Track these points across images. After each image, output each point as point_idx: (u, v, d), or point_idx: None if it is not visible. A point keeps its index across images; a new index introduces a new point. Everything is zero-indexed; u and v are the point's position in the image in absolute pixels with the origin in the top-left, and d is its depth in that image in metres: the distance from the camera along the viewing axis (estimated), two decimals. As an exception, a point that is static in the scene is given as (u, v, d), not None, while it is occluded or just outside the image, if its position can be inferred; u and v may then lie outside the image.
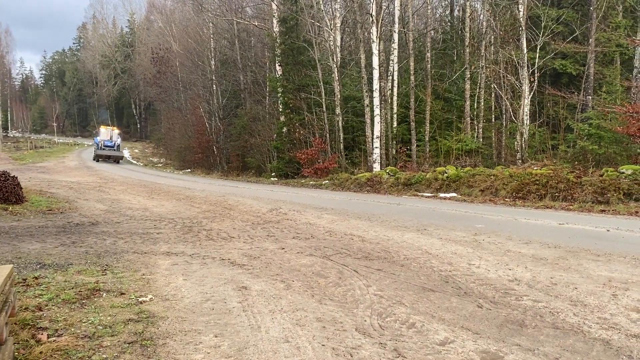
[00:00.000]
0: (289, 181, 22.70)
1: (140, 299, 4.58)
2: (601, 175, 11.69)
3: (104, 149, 40.05)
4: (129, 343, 3.57)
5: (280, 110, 26.20)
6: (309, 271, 5.74)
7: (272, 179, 24.62)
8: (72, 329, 3.79)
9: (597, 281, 5.24)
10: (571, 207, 10.91)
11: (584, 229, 8.34)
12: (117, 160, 40.27)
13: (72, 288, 4.85)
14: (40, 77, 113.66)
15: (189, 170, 36.85)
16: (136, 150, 60.57)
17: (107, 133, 42.33)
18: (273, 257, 6.43)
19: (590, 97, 19.62)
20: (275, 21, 26.12)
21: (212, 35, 36.88)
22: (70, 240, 7.38)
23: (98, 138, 42.02)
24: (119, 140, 42.41)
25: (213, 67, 36.37)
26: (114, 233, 8.16)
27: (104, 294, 4.71)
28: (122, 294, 4.75)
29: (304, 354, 3.47)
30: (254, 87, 32.95)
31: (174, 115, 45.67)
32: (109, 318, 4.06)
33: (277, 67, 26.29)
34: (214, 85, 35.97)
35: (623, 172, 11.49)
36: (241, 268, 5.87)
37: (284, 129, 25.58)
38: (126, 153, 54.90)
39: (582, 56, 21.06)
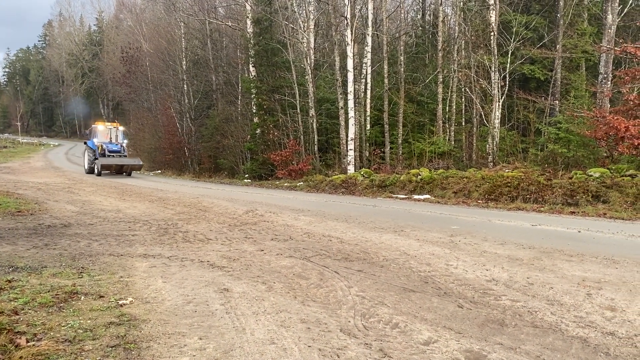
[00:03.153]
0: (263, 183, 22.60)
1: (120, 302, 4.50)
2: (570, 178, 12.01)
3: (110, 156, 26.92)
4: (111, 347, 3.50)
5: (254, 111, 26.07)
6: (289, 273, 5.73)
7: (245, 180, 24.46)
8: (52, 333, 3.70)
9: (571, 281, 5.38)
10: (542, 208, 11.18)
11: (556, 230, 8.55)
12: (129, 172, 27.72)
13: (49, 291, 4.73)
14: (3, 75, 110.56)
15: (160, 171, 36.29)
16: (105, 151, 59.21)
17: (107, 132, 29.02)
18: (253, 259, 6.39)
19: (557, 101, 20.13)
20: (249, 22, 25.98)
21: (183, 35, 36.43)
22: (42, 243, 7.19)
23: (95, 140, 27.98)
24: (125, 142, 29.74)
25: (184, 67, 35.93)
26: (88, 235, 7.99)
27: (82, 297, 4.61)
28: (101, 296, 4.65)
29: (291, 355, 3.46)
30: (227, 87, 32.70)
31: (144, 115, 44.87)
32: (89, 321, 3.97)
33: (251, 68, 26.16)
34: (186, 86, 35.55)
35: (591, 175, 11.83)
36: (221, 270, 5.82)
37: (258, 130, 25.46)
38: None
39: (550, 61, 21.59)
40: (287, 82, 24.71)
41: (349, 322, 4.16)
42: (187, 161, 35.09)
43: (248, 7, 26.00)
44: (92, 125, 29.87)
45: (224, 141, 28.81)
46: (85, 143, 29.73)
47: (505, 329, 4.07)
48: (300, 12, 24.06)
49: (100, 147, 27.25)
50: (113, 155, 26.89)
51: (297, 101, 23.78)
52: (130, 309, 4.37)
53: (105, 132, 28.92)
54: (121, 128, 29.92)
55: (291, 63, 23.55)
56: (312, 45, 23.66)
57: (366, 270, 5.88)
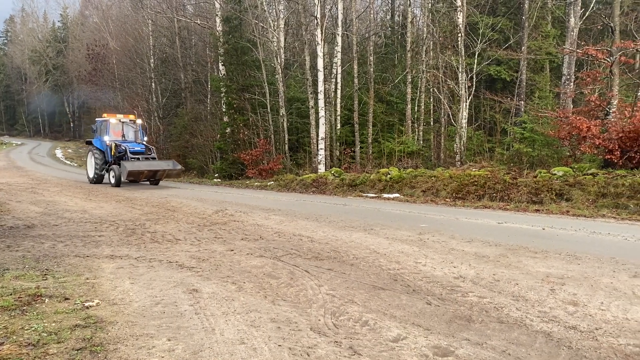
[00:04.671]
0: (233, 182, 22.43)
1: (86, 304, 4.41)
2: (535, 177, 12.31)
3: (134, 159, 18.93)
4: (77, 349, 3.43)
5: (224, 110, 25.85)
6: (260, 272, 5.71)
7: (215, 180, 24.23)
8: (14, 337, 3.60)
9: (536, 277, 5.52)
10: (508, 206, 11.43)
11: (522, 228, 8.76)
12: (156, 179, 19.94)
13: (11, 294, 4.60)
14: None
15: (127, 171, 35.59)
16: (69, 150, 57.83)
17: (119, 126, 20.83)
18: (222, 259, 6.35)
19: (523, 102, 20.61)
20: (218, 20, 25.75)
21: (151, 33, 35.86)
22: (4, 244, 6.98)
23: (106, 138, 20.18)
24: (145, 139, 21.58)
25: (152, 65, 35.39)
26: (52, 236, 7.79)
27: (47, 300, 4.50)
28: (66, 299, 4.55)
29: (261, 355, 3.46)
30: (196, 86, 32.35)
31: (111, 114, 43.96)
32: (53, 324, 3.88)
33: (220, 67, 25.92)
34: (153, 84, 35.02)
35: (555, 174, 12.16)
36: (190, 270, 5.76)
37: (228, 130, 25.26)
38: (59, 153, 52.35)
39: (516, 63, 22.08)
40: (257, 81, 24.60)
41: (319, 320, 4.18)
42: (155, 161, 34.51)
43: (217, 5, 25.77)
44: (99, 119, 21.30)
45: (193, 140, 28.48)
46: (87, 143, 22.48)
47: (472, 324, 4.15)
48: (270, 10, 23.98)
49: (113, 148, 19.36)
50: (139, 158, 18.86)
51: (268, 100, 23.70)
52: (96, 311, 4.29)
53: (116, 126, 20.57)
54: (139, 121, 21.62)
55: (261, 62, 23.44)
56: (282, 44, 23.61)
57: (336, 268, 5.91)
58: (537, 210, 10.81)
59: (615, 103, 13.77)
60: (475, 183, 12.96)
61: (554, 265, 6.00)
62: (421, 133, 23.08)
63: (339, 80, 23.30)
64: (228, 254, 6.69)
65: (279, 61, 22.75)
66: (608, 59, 14.19)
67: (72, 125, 76.53)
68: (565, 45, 17.05)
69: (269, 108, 23.83)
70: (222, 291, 4.96)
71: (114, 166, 18.91)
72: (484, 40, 20.16)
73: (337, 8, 22.63)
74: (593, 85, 15.50)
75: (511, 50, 21.40)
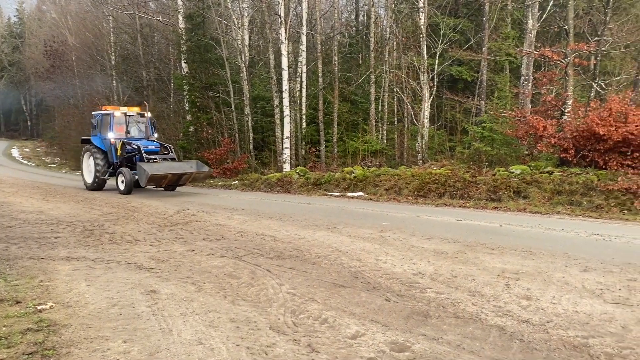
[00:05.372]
0: (197, 182, 22.14)
1: (39, 307, 4.29)
2: (494, 175, 12.62)
3: (151, 161, 15.53)
4: (28, 354, 3.35)
5: (187, 108, 25.51)
6: (220, 272, 5.67)
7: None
8: (-39, 343, 3.48)
9: (492, 272, 5.67)
10: (467, 204, 11.68)
11: (480, 225, 8.96)
12: (179, 184, 16.60)
13: (-41, 299, 4.44)
14: None
15: (88, 170, 34.73)
16: (27, 150, 55.95)
17: (123, 119, 17.19)
18: (183, 260, 6.28)
19: (483, 102, 21.07)
20: (181, 17, 25.38)
21: (112, 29, 35.07)
22: (-47, 248, 6.73)
23: (110, 135, 16.80)
24: (156, 135, 18.14)
25: (113, 62, 34.61)
26: (5, 238, 7.55)
27: (-3, 304, 4.36)
28: (18, 302, 4.42)
29: (218, 354, 3.44)
30: (158, 84, 31.81)
31: (70, 112, 42.72)
32: (4, 329, 3.77)
33: (183, 65, 25.57)
34: (115, 82, 34.25)
35: (513, 172, 12.49)
36: (149, 272, 5.68)
37: (191, 128, 24.93)
38: (15, 152, 50.63)
39: (476, 63, 22.56)
40: (221, 79, 24.37)
41: (279, 319, 4.19)
42: (117, 160, 33.81)
43: (180, 2, 25.40)
44: (98, 112, 17.85)
45: (156, 139, 27.97)
46: (83, 142, 18.13)
47: (429, 320, 4.23)
48: (234, 8, 23.79)
49: (119, 147, 16.17)
50: (155, 159, 15.63)
51: (232, 99, 23.51)
52: (50, 314, 4.19)
53: (120, 120, 16.97)
54: (148, 114, 17.83)
55: (225, 60, 23.23)
56: (246, 42, 23.46)
57: (298, 267, 5.92)
58: (495, 208, 11.09)
59: (570, 103, 14.25)
60: (437, 181, 13.19)
61: (509, 261, 6.16)
62: (385, 132, 23.31)
63: (304, 79, 23.31)
64: (188, 254, 6.62)
65: (243, 59, 22.60)
66: (563, 61, 14.67)
67: (29, 123, 74.08)
68: (524, 46, 17.53)
69: (233, 107, 23.65)
70: (181, 292, 4.90)
71: (124, 169, 15.41)
72: (445, 41, 20.51)
73: (301, 7, 22.63)
74: (549, 85, 16.00)
75: (472, 51, 21.84)
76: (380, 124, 23.45)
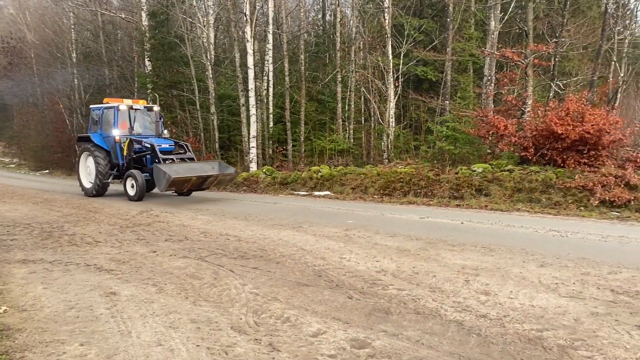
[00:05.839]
0: (161, 182, 21.81)
1: (-9, 312, 4.17)
2: (456, 173, 12.86)
3: (167, 162, 13.29)
4: (-22, 361, 3.25)
5: (151, 107, 25.07)
6: (182, 273, 5.61)
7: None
8: None
9: (452, 269, 5.78)
10: (431, 202, 11.87)
11: (442, 222, 9.12)
12: (202, 188, 14.04)
13: None
14: None
15: (47, 171, 33.82)
16: (-18, 150, 54.11)
17: (126, 114, 14.64)
18: (144, 261, 6.18)
19: (447, 101, 21.40)
20: (144, 14, 24.92)
21: (73, 26, 34.13)
22: None
23: (115, 132, 14.32)
24: (159, 129, 15.49)
25: (74, 60, 33.71)
26: (-43, 242, 7.29)
27: (-54, 310, 4.21)
28: (-31, 308, 4.28)
29: (178, 355, 3.41)
30: (121, 82, 31.13)
31: (29, 111, 41.41)
32: (-47, 335, 3.65)
33: (147, 63, 25.11)
34: (76, 80, 33.37)
35: (475, 170, 12.75)
36: (109, 273, 5.58)
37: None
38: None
39: (441, 64, 22.87)
40: (186, 77, 24.04)
41: (241, 319, 4.17)
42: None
43: (143, -1, 24.97)
44: (97, 105, 15.51)
45: (119, 139, 27.40)
46: (80, 140, 15.84)
47: (390, 316, 4.29)
48: (200, 6, 23.51)
49: (127, 145, 13.94)
50: (172, 160, 13.54)
51: (197, 97, 23.22)
52: (3, 318, 4.07)
53: (124, 114, 14.59)
54: (156, 108, 15.78)
55: (190, 58, 22.92)
56: (212, 40, 23.21)
57: (262, 267, 5.91)
58: (458, 205, 11.30)
59: (529, 103, 14.63)
60: (401, 180, 13.35)
61: (469, 258, 6.30)
62: (351, 131, 23.42)
63: (270, 78, 23.20)
64: (150, 255, 6.52)
65: (208, 58, 22.36)
66: (523, 61, 15.04)
67: (-15, 122, 71.50)
68: (486, 47, 17.87)
69: (198, 105, 23.37)
70: (141, 293, 4.83)
71: (134, 171, 13.41)
72: (409, 42, 20.74)
73: (267, 6, 22.54)
74: (510, 86, 16.38)
75: (436, 51, 22.15)
76: (347, 124, 23.55)
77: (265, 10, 24.29)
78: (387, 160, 17.58)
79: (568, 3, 15.39)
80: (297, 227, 8.66)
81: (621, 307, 4.48)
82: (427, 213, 10.30)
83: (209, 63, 22.18)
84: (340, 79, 22.85)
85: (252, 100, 19.95)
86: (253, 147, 20.21)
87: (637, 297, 4.74)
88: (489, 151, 14.39)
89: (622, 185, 10.37)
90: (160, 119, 15.63)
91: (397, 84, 19.88)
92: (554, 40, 15.55)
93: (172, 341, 3.65)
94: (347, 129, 23.38)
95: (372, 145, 21.24)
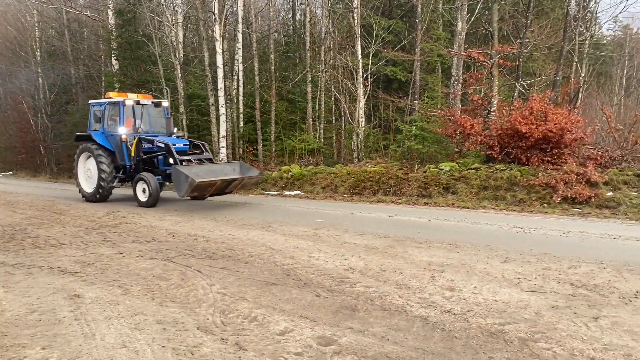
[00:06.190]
0: (127, 183, 21.45)
1: (-52, 318, 4.06)
2: (424, 172, 13.05)
3: (184, 163, 11.99)
4: None
5: (118, 107, 24.63)
6: (149, 275, 5.56)
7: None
8: None
9: (419, 266, 5.87)
10: (400, 200, 12.02)
11: (410, 220, 9.24)
12: (226, 191, 12.57)
13: None
14: None
15: (11, 172, 32.96)
16: (-58, 151, 52.22)
17: (131, 110, 13.35)
18: (110, 263, 6.09)
19: (417, 101, 21.66)
20: (110, 13, 24.48)
21: (37, 24, 33.26)
22: None
23: (121, 130, 12.98)
24: (177, 132, 14.48)
25: (39, 58, 32.85)
26: None
27: None
28: None
29: (143, 357, 3.39)
30: (88, 81, 30.48)
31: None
32: None
33: (114, 62, 24.67)
34: (40, 79, 32.53)
35: (442, 169, 12.96)
36: (73, 276, 5.48)
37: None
38: None
39: (410, 64, 23.13)
40: (154, 77, 23.71)
41: (208, 319, 4.16)
42: (44, 161, 32.20)
43: (109, -3, 24.51)
44: (96, 101, 14.39)
45: (86, 139, 26.86)
46: (79, 139, 14.27)
47: (356, 313, 4.34)
48: (168, 4, 23.20)
49: (134, 145, 12.73)
50: (190, 161, 12.30)
51: (166, 97, 22.92)
52: (-39, 324, 3.96)
53: (130, 110, 13.29)
54: (165, 103, 14.37)
55: (158, 57, 22.62)
56: (180, 39, 22.94)
57: (230, 267, 5.90)
58: (426, 204, 11.46)
59: (495, 102, 14.95)
60: (371, 179, 13.47)
61: (436, 254, 6.41)
62: (322, 131, 23.48)
63: (240, 77, 23.08)
64: (116, 257, 6.43)
65: (177, 57, 22.09)
66: (488, 62, 15.35)
67: (-56, 123, 69.06)
68: (454, 48, 18.16)
69: (164, 105, 23.04)
70: (106, 295, 4.77)
71: (146, 174, 12.17)
72: (378, 42, 20.92)
73: (237, 5, 22.40)
74: (476, 86, 16.70)
75: (405, 51, 22.40)
76: (317, 123, 23.60)
77: (235, 9, 24.17)
78: (357, 160, 17.69)
79: (531, 5, 15.77)
80: (266, 227, 8.66)
81: (580, 300, 4.63)
82: (396, 211, 10.42)
83: (177, 62, 21.92)
84: (310, 79, 22.89)
85: (221, 100, 19.79)
86: (223, 147, 20.07)
87: (595, 290, 4.90)
88: (457, 150, 14.62)
89: (583, 183, 10.68)
90: (167, 109, 14.23)
91: (366, 84, 20.03)
92: (518, 41, 15.91)
93: (137, 343, 3.62)
94: (318, 128, 23.44)
95: (342, 145, 21.34)
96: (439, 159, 14.26)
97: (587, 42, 20.02)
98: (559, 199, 10.42)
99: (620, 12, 41.00)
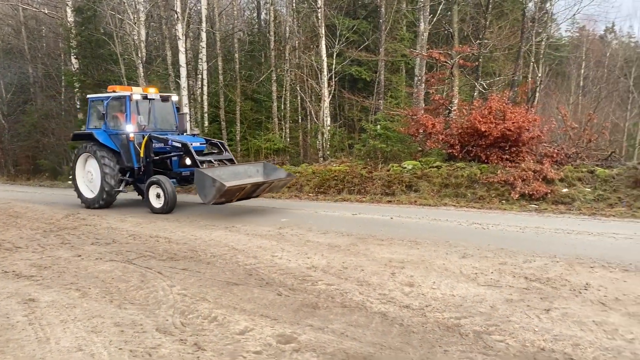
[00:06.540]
0: (91, 184, 20.99)
1: None
2: (388, 170, 13.21)
3: (205, 165, 10.63)
4: None
5: (78, 107, 24.06)
6: (108, 277, 5.47)
7: (70, 182, 22.46)
8: None
9: (380, 262, 5.96)
10: (364, 199, 12.14)
11: (373, 218, 9.35)
12: (253, 195, 10.77)
13: None
14: None
15: (-35, 175, 31.73)
16: None
17: (143, 105, 11.91)
18: (67, 266, 5.97)
19: (381, 101, 21.89)
20: (69, 10, 23.86)
21: (-9, 21, 32.17)
22: None
23: (129, 128, 11.56)
24: (184, 125, 12.43)
25: (-6, 56, 31.78)
26: None
27: None
28: None
29: (99, 359, 3.35)
30: (46, 80, 29.64)
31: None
32: None
33: (73, 60, 24.06)
34: (-5, 78, 31.49)
35: (405, 167, 13.14)
36: (29, 279, 5.35)
37: (83, 127, 23.54)
38: None
39: (375, 64, 23.35)
40: (115, 76, 23.23)
41: (167, 320, 4.14)
42: (1, 162, 31.18)
43: (67, -6, 23.87)
44: (104, 96, 12.31)
45: (45, 140, 26.15)
46: (76, 138, 13.29)
47: (317, 311, 4.39)
48: (130, 2, 22.77)
49: (144, 144, 11.45)
50: (211, 162, 11.01)
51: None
52: None
53: (136, 106, 11.78)
54: (175, 97, 13.00)
55: (119, 56, 22.18)
56: (143, 38, 22.55)
57: (192, 268, 5.86)
58: (389, 202, 11.62)
59: (456, 102, 15.23)
60: (336, 178, 13.56)
61: (397, 251, 6.51)
62: (288, 130, 23.48)
63: (204, 76, 22.84)
64: (74, 259, 6.31)
65: (139, 56, 21.71)
66: (449, 62, 15.65)
67: None
68: (417, 48, 18.42)
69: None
70: (63, 299, 4.68)
71: (161, 177, 10.90)
72: (342, 42, 21.05)
73: (200, 3, 22.16)
74: (437, 86, 16.99)
75: (370, 51, 22.59)
76: (283, 123, 23.58)
77: (198, 7, 23.89)
78: (322, 159, 17.76)
79: (490, 7, 16.14)
80: (230, 227, 8.63)
81: (533, 293, 4.79)
82: (360, 209, 10.52)
83: (140, 61, 21.54)
84: (275, 78, 22.85)
85: (184, 99, 19.57)
86: (187, 147, 19.84)
87: (548, 283, 5.08)
88: (419, 149, 14.83)
89: (540, 180, 11.00)
90: (175, 101, 12.85)
91: (331, 83, 20.12)
92: (478, 41, 16.27)
93: (93, 346, 3.58)
94: (284, 128, 23.43)
95: (308, 144, 21.40)
96: (403, 157, 14.45)
97: (543, 43, 20.62)
98: (516, 196, 10.71)
99: (574, 15, 42.24)
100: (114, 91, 12.06)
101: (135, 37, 21.81)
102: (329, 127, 18.54)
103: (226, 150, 11.81)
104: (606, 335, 3.80)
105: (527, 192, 10.71)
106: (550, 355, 3.50)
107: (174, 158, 11.62)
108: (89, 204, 12.03)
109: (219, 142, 12.17)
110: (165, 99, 12.46)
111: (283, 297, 4.75)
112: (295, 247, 6.91)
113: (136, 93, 11.79)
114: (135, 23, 21.73)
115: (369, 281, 5.24)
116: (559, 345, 3.65)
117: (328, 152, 17.87)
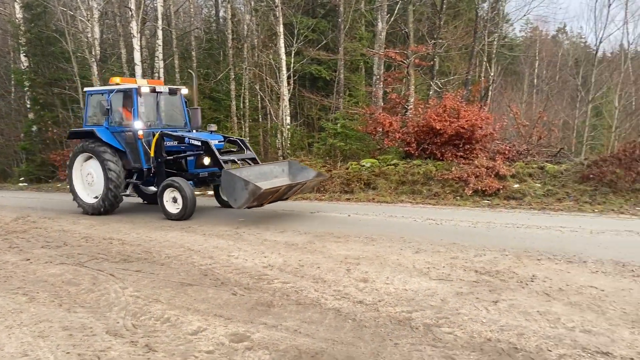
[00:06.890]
0: (43, 186, 20.31)
1: None
2: (347, 169, 13.33)
3: (228, 163, 9.53)
4: None
5: (29, 106, 23.27)
6: (58, 281, 5.34)
7: (21, 184, 21.73)
8: None
9: (336, 259, 6.03)
10: (323, 197, 12.21)
11: (331, 216, 9.43)
12: (283, 197, 9.68)
13: None
14: None
15: None
16: None
17: (150, 99, 10.80)
18: (15, 270, 5.80)
19: (341, 99, 22.03)
20: (17, 6, 23.02)
21: None
22: None
23: (136, 125, 10.28)
24: (198, 121, 11.26)
25: (-64, 53, 30.32)
26: None
27: None
28: None
29: (45, 365, 3.28)
30: (-6, 79, 28.55)
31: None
32: None
33: (23, 58, 23.24)
34: (-62, 76, 30.05)
35: (364, 165, 13.30)
36: (-27, 286, 5.17)
37: (34, 128, 22.79)
38: None
39: (334, 63, 23.47)
40: (68, 74, 22.58)
41: (118, 323, 4.08)
42: (-55, 164, 29.79)
43: (15, -10, 23.02)
44: (107, 89, 10.87)
45: (-7, 140, 25.19)
46: (73, 136, 11.90)
47: (271, 309, 4.41)
48: (82, -1, 22.13)
49: (154, 143, 10.26)
50: (235, 161, 9.97)
51: (81, 95, 21.89)
52: None
53: (146, 100, 10.79)
54: (184, 91, 11.64)
55: (71, 54, 21.55)
56: (97, 36, 21.96)
57: (145, 269, 5.78)
58: (348, 199, 11.73)
59: (412, 101, 15.50)
60: (295, 176, 13.57)
61: (353, 248, 6.60)
62: (247, 129, 23.32)
63: (161, 75, 22.44)
64: (23, 264, 6.12)
65: (93, 54, 21.14)
66: (405, 61, 15.91)
67: None
68: (375, 47, 18.64)
69: (82, 104, 22.03)
70: (9, 304, 4.55)
71: (178, 180, 9.69)
72: (300, 40, 21.07)
73: (156, 0, 21.76)
74: (393, 85, 17.25)
75: (329, 50, 22.69)
76: (242, 121, 23.41)
77: (155, 4, 23.45)
78: (282, 158, 17.74)
79: (444, 7, 16.48)
80: (186, 228, 8.54)
81: (482, 286, 4.95)
82: (318, 208, 10.57)
83: (93, 59, 20.98)
84: (233, 77, 22.67)
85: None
86: (143, 146, 19.47)
87: (497, 276, 5.25)
88: (378, 147, 15.01)
89: (493, 176, 11.33)
90: (184, 95, 11.62)
91: (290, 82, 20.12)
92: (432, 41, 16.59)
93: (39, 351, 3.50)
94: (243, 126, 23.26)
95: (268, 143, 21.33)
96: (361, 155, 14.60)
97: (496, 42, 21.19)
98: (470, 192, 10.99)
99: (525, 15, 43.66)
100: (117, 84, 10.75)
101: (89, 35, 21.23)
102: (288, 126, 18.53)
103: (247, 148, 10.73)
104: (549, 324, 3.96)
105: (480, 188, 11.01)
106: (496, 345, 3.63)
107: (190, 158, 10.67)
108: (89, 211, 10.70)
109: (239, 139, 11.11)
110: (173, 92, 11.25)
111: (238, 297, 4.75)
112: (252, 246, 6.90)
113: (144, 86, 10.52)
114: (88, 20, 21.15)
115: (325, 278, 5.30)
116: (505, 335, 3.78)
117: (288, 151, 17.86)
